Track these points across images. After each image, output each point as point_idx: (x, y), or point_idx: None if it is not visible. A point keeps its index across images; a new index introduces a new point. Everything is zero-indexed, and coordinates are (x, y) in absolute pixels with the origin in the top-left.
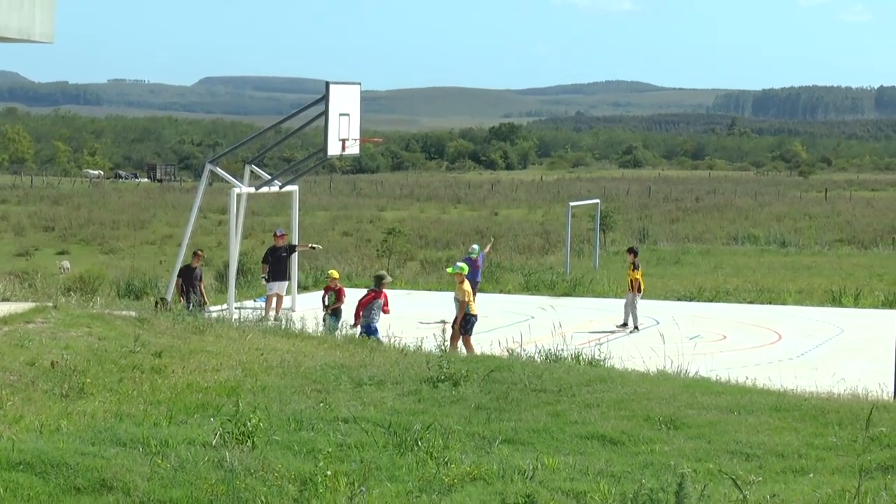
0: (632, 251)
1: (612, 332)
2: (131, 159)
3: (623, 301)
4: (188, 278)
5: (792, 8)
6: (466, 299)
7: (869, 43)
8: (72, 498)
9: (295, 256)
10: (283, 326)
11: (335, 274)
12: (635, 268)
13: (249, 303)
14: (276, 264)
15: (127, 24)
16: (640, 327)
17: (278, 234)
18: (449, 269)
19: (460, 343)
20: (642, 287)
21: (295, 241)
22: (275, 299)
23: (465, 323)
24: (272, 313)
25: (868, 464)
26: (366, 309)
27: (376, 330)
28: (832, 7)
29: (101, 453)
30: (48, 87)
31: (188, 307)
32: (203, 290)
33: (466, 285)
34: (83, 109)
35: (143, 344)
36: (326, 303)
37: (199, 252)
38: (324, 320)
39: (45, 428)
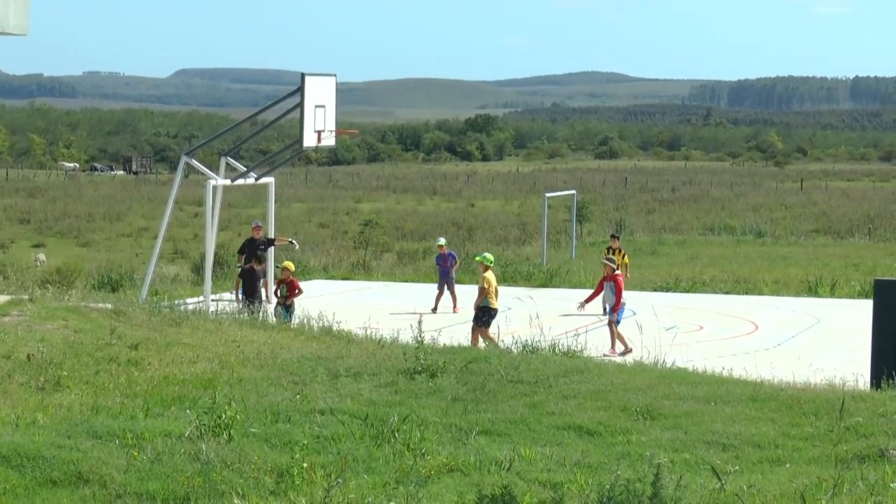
0: (615, 237)
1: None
2: (107, 152)
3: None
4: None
5: None
6: (486, 286)
7: (844, 34)
8: (48, 491)
9: (272, 250)
10: (260, 318)
11: (290, 266)
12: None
13: (227, 295)
14: (252, 257)
15: (102, 16)
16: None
17: (254, 225)
18: (477, 258)
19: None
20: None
21: (271, 233)
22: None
23: (482, 315)
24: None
25: (844, 454)
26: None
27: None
28: None
29: (78, 446)
30: (23, 79)
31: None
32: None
33: (489, 275)
34: (58, 102)
35: (119, 336)
36: (279, 295)
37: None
38: (275, 313)
39: (21, 421)
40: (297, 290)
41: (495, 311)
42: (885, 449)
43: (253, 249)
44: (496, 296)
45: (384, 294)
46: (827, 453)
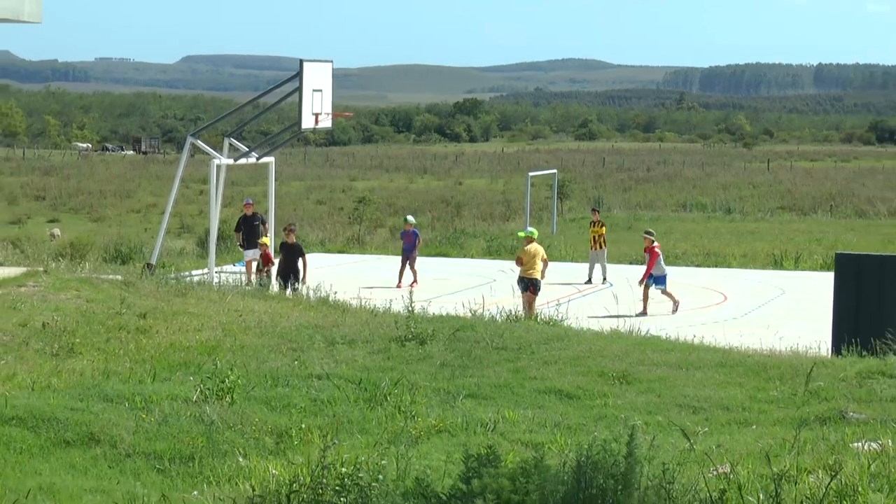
0: (595, 210)
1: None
2: (117, 133)
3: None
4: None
5: None
6: (525, 259)
7: (808, 23)
8: (62, 450)
9: (271, 224)
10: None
11: (266, 241)
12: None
13: (229, 267)
14: (249, 232)
15: (113, 4)
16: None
17: (246, 203)
18: (520, 233)
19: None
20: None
21: (272, 209)
22: (254, 264)
23: (529, 283)
24: (253, 277)
25: (807, 415)
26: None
27: None
28: None
29: (90, 408)
30: (39, 65)
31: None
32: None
33: (532, 247)
34: (72, 86)
35: (128, 306)
36: (258, 269)
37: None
38: (252, 282)
39: (37, 385)
40: (270, 262)
41: (536, 281)
42: (845, 411)
43: (248, 226)
44: (537, 268)
45: (377, 266)
46: (791, 415)
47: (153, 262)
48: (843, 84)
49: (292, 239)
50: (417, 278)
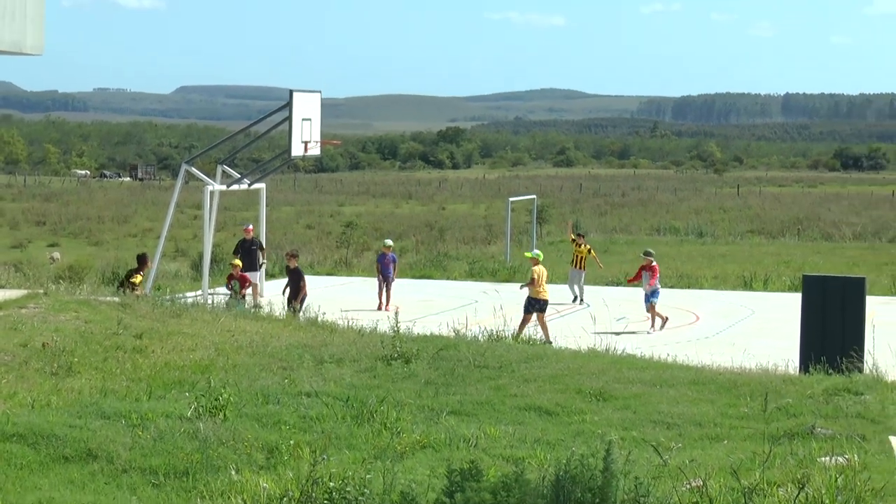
0: (581, 234)
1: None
2: (115, 160)
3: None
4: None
5: (706, 23)
6: (535, 277)
7: (775, 55)
8: (61, 466)
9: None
10: (263, 312)
11: (239, 263)
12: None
13: (222, 289)
14: (246, 256)
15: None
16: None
17: (246, 227)
18: (527, 254)
19: (533, 320)
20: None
21: (262, 234)
22: (250, 288)
23: (533, 304)
24: (249, 300)
25: (776, 431)
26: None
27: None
28: (741, 23)
29: (88, 426)
30: (40, 95)
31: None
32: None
33: (538, 269)
34: (71, 115)
35: (125, 326)
36: (233, 290)
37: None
38: (227, 304)
39: (37, 403)
40: (247, 284)
41: (544, 301)
42: (813, 427)
43: (245, 250)
44: (544, 288)
45: (363, 288)
46: (760, 431)
47: (148, 289)
48: (809, 113)
49: (293, 264)
50: (390, 302)
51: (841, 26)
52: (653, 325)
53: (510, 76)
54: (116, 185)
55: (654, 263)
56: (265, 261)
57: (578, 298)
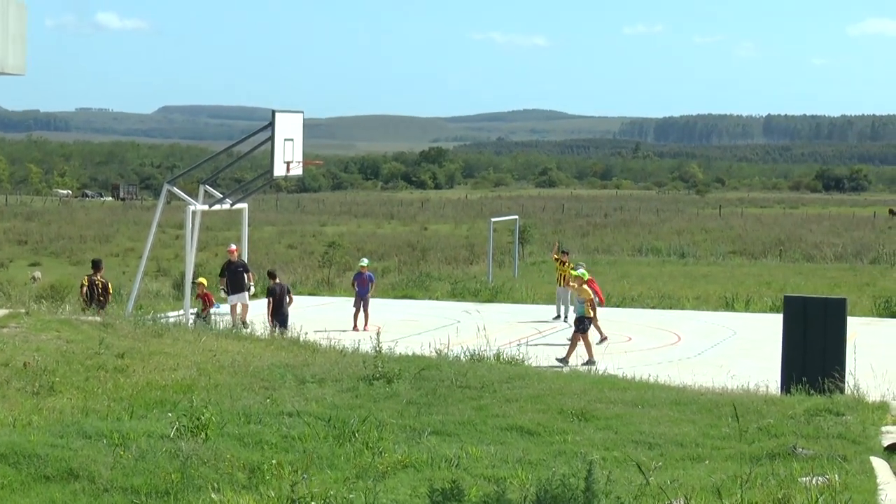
0: (565, 252)
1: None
2: (97, 180)
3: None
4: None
5: (688, 44)
6: (587, 298)
7: (757, 76)
8: (42, 486)
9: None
10: (250, 332)
11: (204, 282)
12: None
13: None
14: (232, 277)
15: (92, 57)
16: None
17: (230, 248)
18: (573, 273)
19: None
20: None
21: (245, 253)
22: (239, 308)
23: (580, 323)
24: (238, 319)
25: (757, 451)
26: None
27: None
28: (725, 44)
29: (69, 445)
30: (21, 115)
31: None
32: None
33: (587, 288)
34: (53, 135)
35: (107, 346)
36: (196, 309)
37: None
38: (194, 323)
39: (18, 422)
40: (210, 304)
41: (591, 319)
42: (795, 447)
43: (232, 271)
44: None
45: (344, 308)
46: (742, 451)
47: (130, 309)
48: (791, 134)
49: (270, 283)
50: (368, 321)
51: (822, 48)
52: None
53: (492, 97)
54: (98, 205)
55: (589, 278)
56: (252, 283)
57: (563, 316)
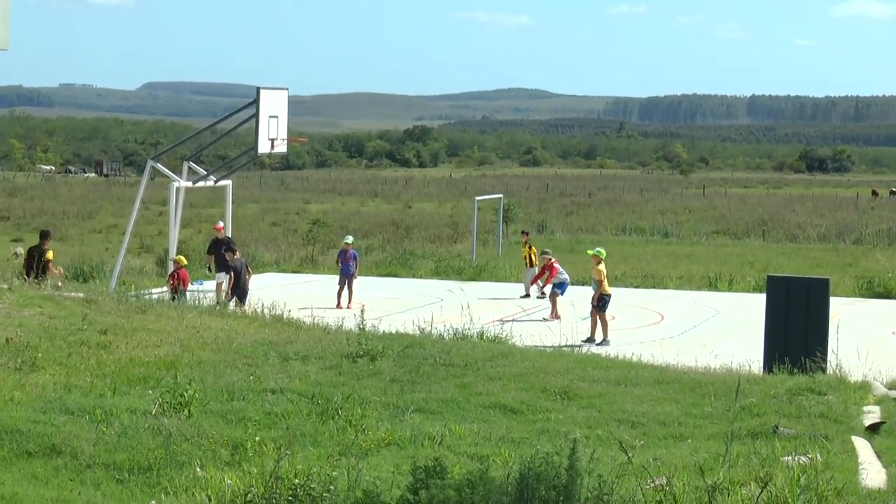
0: (525, 233)
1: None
2: (80, 156)
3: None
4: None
5: (673, 25)
6: (601, 279)
7: (742, 56)
8: (24, 461)
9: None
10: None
11: (182, 260)
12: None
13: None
14: (219, 255)
15: (77, 33)
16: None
17: (217, 226)
18: (589, 252)
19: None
20: (533, 262)
21: (228, 230)
22: (225, 285)
23: (600, 301)
24: (224, 298)
25: (739, 430)
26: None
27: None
28: (709, 25)
29: (52, 421)
30: (4, 90)
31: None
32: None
33: (602, 266)
34: (36, 111)
35: (90, 322)
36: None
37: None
38: (173, 299)
39: (0, 398)
40: (185, 282)
41: (609, 296)
42: (777, 427)
43: (219, 248)
44: (608, 284)
45: (330, 284)
46: (724, 430)
47: (113, 285)
48: (775, 115)
49: (230, 258)
50: (352, 299)
51: (806, 29)
52: (552, 314)
53: (477, 75)
54: (81, 181)
55: (553, 261)
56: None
57: (530, 294)
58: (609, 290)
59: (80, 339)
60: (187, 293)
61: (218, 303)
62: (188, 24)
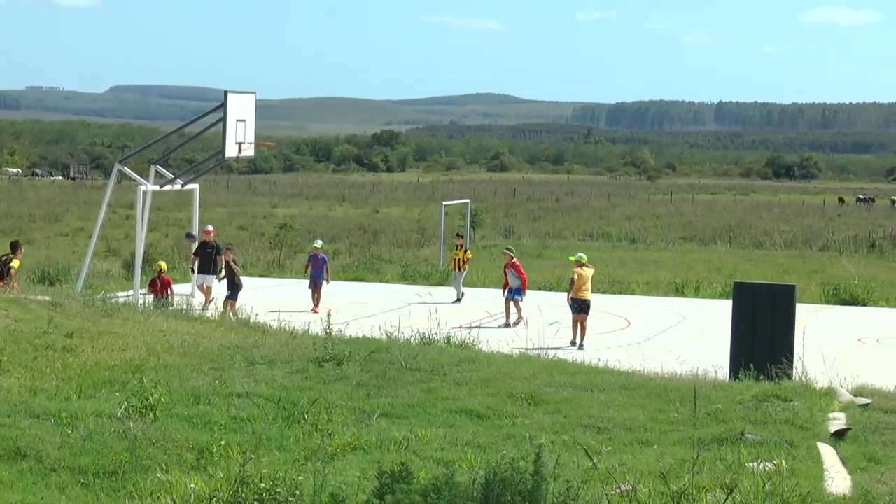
0: (460, 236)
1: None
2: (47, 159)
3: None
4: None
5: (641, 31)
6: (573, 279)
7: (709, 63)
8: None
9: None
10: (213, 314)
11: (163, 265)
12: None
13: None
14: (204, 258)
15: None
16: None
17: (207, 229)
18: (570, 258)
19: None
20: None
21: (195, 232)
22: (206, 289)
23: (578, 304)
24: (203, 301)
25: (705, 436)
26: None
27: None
28: (677, 31)
29: (17, 424)
30: None
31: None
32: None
33: (583, 271)
34: (3, 113)
35: (56, 326)
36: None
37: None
38: (155, 306)
39: None
40: (167, 287)
41: (588, 302)
42: (742, 433)
43: (205, 252)
44: (588, 289)
45: (296, 289)
46: (690, 436)
47: (79, 288)
48: (742, 121)
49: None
50: (320, 304)
51: (774, 36)
52: (509, 319)
53: (445, 80)
54: (48, 184)
55: (515, 260)
56: (222, 267)
57: (457, 298)
58: (585, 295)
59: (46, 342)
60: (172, 298)
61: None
62: (157, 27)
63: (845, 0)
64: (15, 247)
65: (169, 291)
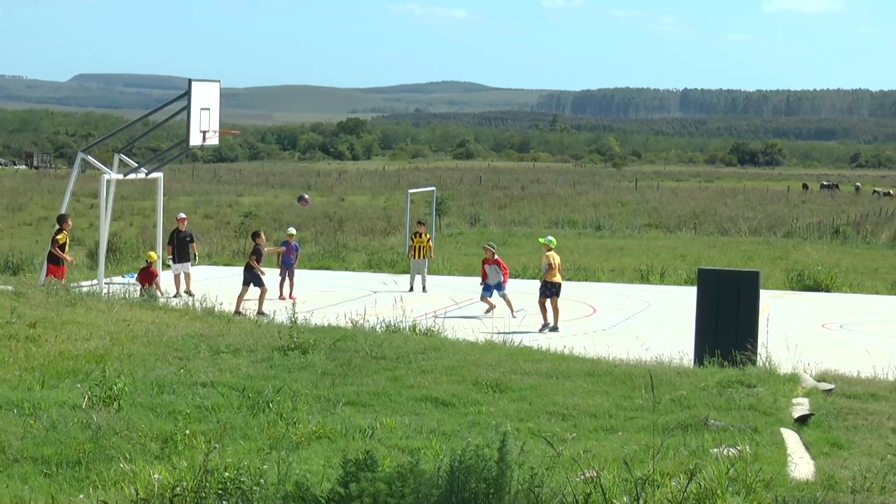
0: (422, 223)
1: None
2: (10, 148)
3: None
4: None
5: (607, 18)
6: (549, 262)
7: (674, 51)
8: None
9: (158, 237)
10: (192, 303)
11: (153, 256)
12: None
13: (118, 279)
14: (179, 247)
15: (7, 24)
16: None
17: (179, 217)
18: (540, 240)
19: (548, 304)
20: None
21: (160, 222)
22: (182, 277)
23: (549, 287)
24: (182, 289)
25: (669, 422)
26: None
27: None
28: (643, 19)
29: None
30: None
31: None
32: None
33: (552, 254)
34: None
35: (18, 315)
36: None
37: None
38: (141, 294)
39: None
40: (154, 278)
41: (557, 285)
42: (706, 419)
43: (180, 241)
44: (558, 272)
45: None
46: (655, 422)
47: (43, 274)
48: (707, 108)
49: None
50: (293, 290)
51: (739, 24)
52: (514, 313)
53: (411, 68)
54: (11, 173)
55: (497, 257)
56: (196, 253)
57: (412, 288)
58: (557, 278)
59: (9, 332)
60: (157, 290)
61: (177, 294)
62: (120, 14)
63: None
64: (62, 220)
65: (155, 283)
